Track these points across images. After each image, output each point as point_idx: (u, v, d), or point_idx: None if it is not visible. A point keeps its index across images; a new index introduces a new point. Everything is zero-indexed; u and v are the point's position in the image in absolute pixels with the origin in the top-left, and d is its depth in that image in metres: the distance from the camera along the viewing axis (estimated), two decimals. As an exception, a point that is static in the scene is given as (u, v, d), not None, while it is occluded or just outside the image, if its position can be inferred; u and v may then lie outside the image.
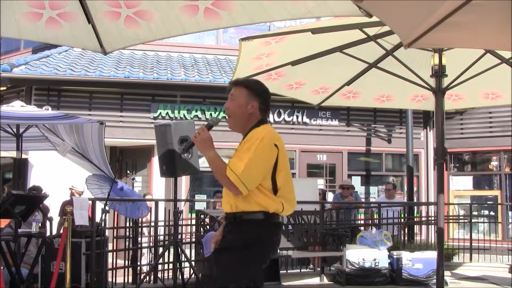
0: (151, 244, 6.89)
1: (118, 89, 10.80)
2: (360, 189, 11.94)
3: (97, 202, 5.90)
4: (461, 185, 12.25)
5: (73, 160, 7.14)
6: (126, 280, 6.29)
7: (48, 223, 6.76)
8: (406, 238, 8.79)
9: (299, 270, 7.70)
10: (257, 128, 2.83)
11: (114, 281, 6.07)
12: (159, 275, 6.47)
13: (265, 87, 2.99)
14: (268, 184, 2.75)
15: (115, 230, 6.53)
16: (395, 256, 7.20)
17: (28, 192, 7.05)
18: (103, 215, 5.64)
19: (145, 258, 7.84)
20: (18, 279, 5.14)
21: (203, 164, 5.56)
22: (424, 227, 10.63)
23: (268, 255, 2.84)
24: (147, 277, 6.28)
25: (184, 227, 8.18)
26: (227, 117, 2.93)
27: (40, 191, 7.38)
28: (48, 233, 6.39)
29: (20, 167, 7.10)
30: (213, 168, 2.77)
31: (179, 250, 5.66)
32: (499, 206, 11.34)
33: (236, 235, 2.78)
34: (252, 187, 2.71)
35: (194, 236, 7.19)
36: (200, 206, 10.28)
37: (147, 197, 9.34)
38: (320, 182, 11.43)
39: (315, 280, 7.34)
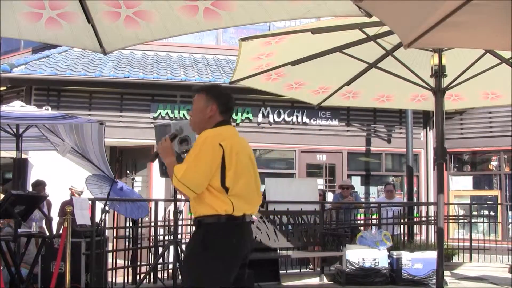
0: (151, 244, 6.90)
1: (117, 89, 10.78)
2: (360, 189, 11.92)
3: (97, 202, 5.90)
4: (461, 185, 12.24)
5: (73, 160, 7.14)
6: (126, 280, 6.29)
7: (48, 222, 6.77)
8: (406, 238, 8.79)
9: (299, 270, 7.70)
10: (206, 130, 2.90)
11: (114, 281, 6.08)
12: (159, 275, 6.47)
13: (225, 91, 3.09)
14: (217, 184, 2.76)
15: (115, 230, 6.54)
16: (395, 256, 7.20)
17: (30, 191, 7.06)
18: (103, 215, 5.64)
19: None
20: (18, 279, 5.13)
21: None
22: (424, 227, 10.61)
23: (230, 258, 2.75)
24: (147, 277, 6.28)
25: (184, 227, 8.18)
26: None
27: (44, 185, 7.40)
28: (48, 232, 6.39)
29: (20, 167, 7.09)
30: (169, 173, 2.97)
31: (179, 250, 5.66)
32: (499, 206, 11.33)
33: (197, 239, 2.80)
34: (199, 189, 2.75)
35: (194, 236, 7.17)
36: (200, 206, 10.26)
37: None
38: (320, 182, 11.42)
39: (315, 280, 7.34)
